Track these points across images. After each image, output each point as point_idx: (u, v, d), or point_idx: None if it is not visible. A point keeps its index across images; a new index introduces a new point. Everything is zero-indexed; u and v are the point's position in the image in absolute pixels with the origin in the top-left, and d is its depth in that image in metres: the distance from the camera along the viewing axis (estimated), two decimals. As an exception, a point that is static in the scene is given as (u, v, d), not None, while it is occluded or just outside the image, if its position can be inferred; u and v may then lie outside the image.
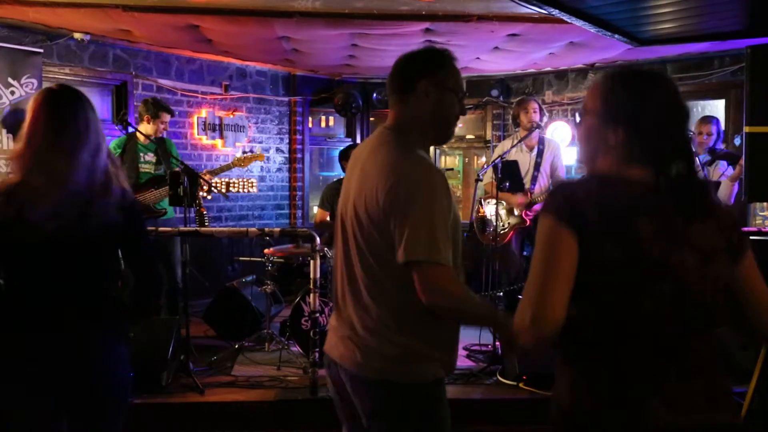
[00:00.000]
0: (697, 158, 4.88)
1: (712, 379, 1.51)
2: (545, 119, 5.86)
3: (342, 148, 6.25)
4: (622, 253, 1.44)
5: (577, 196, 1.48)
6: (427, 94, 2.01)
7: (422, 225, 1.82)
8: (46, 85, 5.42)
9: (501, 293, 5.15)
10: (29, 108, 2.10)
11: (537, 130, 5.44)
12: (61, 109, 2.08)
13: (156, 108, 5.20)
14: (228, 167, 5.51)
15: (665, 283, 1.45)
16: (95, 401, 2.09)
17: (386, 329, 1.94)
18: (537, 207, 5.52)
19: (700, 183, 1.58)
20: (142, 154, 5.15)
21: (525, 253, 5.68)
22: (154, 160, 5.17)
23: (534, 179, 5.48)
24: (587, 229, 1.45)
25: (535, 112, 5.43)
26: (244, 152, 5.76)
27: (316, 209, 6.11)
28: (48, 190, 2.01)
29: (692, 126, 5.26)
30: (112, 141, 5.13)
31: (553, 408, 1.59)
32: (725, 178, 4.92)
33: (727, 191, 4.91)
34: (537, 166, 5.48)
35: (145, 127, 5.13)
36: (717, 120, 5.28)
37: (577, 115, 1.69)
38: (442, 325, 1.96)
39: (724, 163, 4.97)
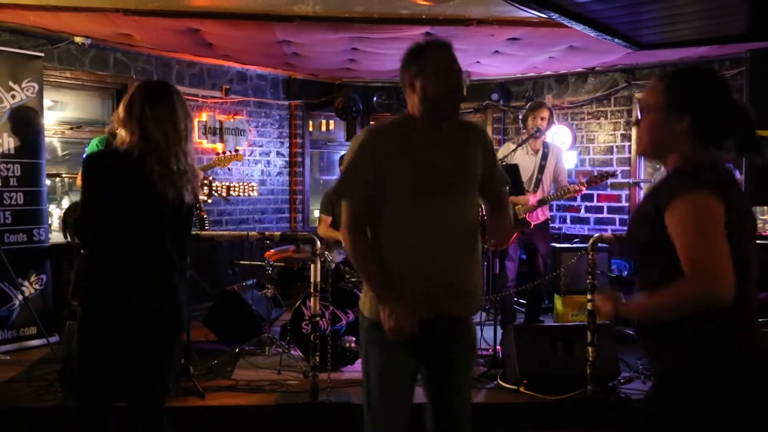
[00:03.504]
0: None
1: None
2: (553, 126, 5.86)
3: (343, 152, 6.25)
4: (746, 223, 1.76)
5: (713, 178, 1.72)
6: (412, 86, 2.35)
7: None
8: (47, 88, 5.44)
9: (499, 296, 5.14)
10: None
11: (539, 135, 5.44)
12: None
13: None
14: (210, 167, 5.63)
15: (752, 244, 1.80)
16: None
17: None
18: (542, 210, 5.53)
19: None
20: None
21: (523, 257, 5.69)
22: None
23: (538, 182, 5.48)
24: (728, 202, 1.69)
25: (543, 119, 5.43)
26: (224, 152, 5.80)
27: (317, 213, 6.11)
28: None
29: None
30: (92, 139, 5.11)
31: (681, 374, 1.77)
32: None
33: None
34: (541, 170, 5.48)
35: None
36: None
37: (636, 112, 1.92)
38: None
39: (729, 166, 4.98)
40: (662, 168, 1.91)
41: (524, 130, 5.65)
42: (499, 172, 2.49)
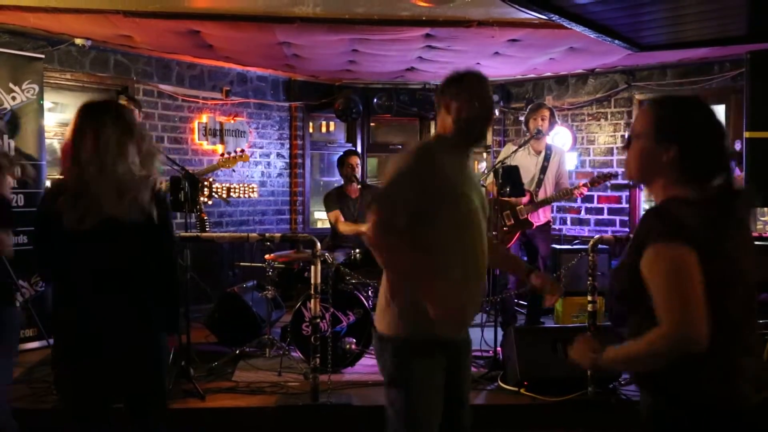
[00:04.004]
0: None
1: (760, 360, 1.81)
2: (555, 126, 5.86)
3: (340, 153, 6.27)
4: (726, 267, 1.70)
5: (686, 221, 1.68)
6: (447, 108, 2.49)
7: None
8: (47, 90, 5.44)
9: (499, 298, 5.14)
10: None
11: (540, 136, 5.44)
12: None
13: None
14: (213, 168, 5.62)
15: (741, 287, 1.74)
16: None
17: None
18: (544, 211, 5.53)
19: (738, 192, 1.81)
20: None
21: (524, 258, 5.68)
22: None
23: (540, 183, 5.49)
24: (703, 248, 1.65)
25: (543, 119, 5.45)
26: (229, 153, 5.79)
27: (317, 215, 6.12)
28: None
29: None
30: None
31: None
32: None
33: None
34: (543, 170, 5.49)
35: None
36: None
37: (625, 138, 1.95)
38: None
39: (731, 163, 4.99)
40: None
41: (527, 132, 5.65)
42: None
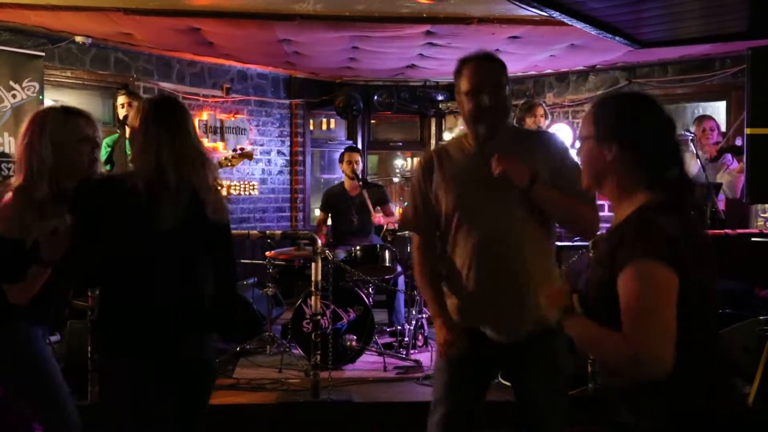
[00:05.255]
0: (699, 160, 4.89)
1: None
2: (548, 121, 5.87)
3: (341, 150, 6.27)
4: (701, 278, 1.62)
5: (670, 234, 1.58)
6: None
7: None
8: (47, 88, 5.44)
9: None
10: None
11: None
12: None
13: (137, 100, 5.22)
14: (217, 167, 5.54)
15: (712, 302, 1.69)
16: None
17: None
18: None
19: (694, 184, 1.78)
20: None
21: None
22: None
23: None
24: (683, 264, 1.57)
25: (542, 116, 5.45)
26: (234, 151, 5.74)
27: (317, 212, 6.13)
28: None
29: (691, 127, 5.29)
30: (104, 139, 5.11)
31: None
32: (728, 172, 4.94)
33: (731, 183, 4.93)
34: None
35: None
36: (712, 117, 5.37)
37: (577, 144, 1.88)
38: None
39: (729, 156, 4.99)
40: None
41: None
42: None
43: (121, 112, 5.07)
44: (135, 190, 2.16)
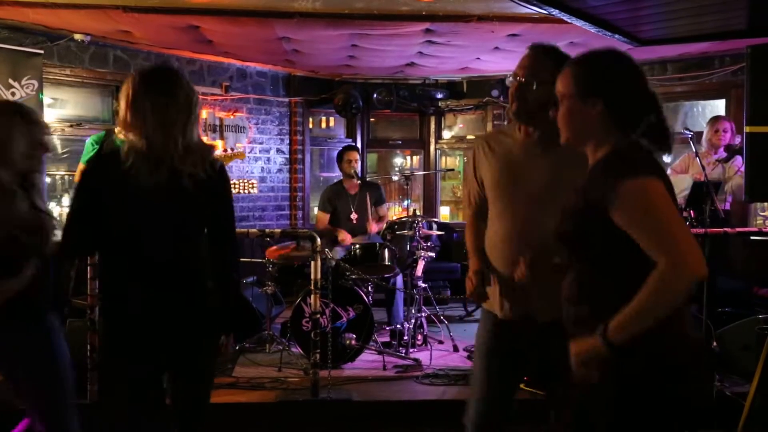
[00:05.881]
0: (699, 158, 4.89)
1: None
2: None
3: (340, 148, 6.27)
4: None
5: (653, 163, 1.74)
6: None
7: None
8: (46, 86, 5.43)
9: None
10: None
11: None
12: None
13: None
14: None
15: None
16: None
17: None
18: None
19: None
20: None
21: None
22: None
23: None
24: (669, 188, 1.69)
25: None
26: (225, 150, 5.79)
27: (317, 210, 6.13)
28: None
29: (704, 125, 5.33)
30: (90, 137, 5.10)
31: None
32: (739, 174, 4.94)
33: (742, 187, 4.92)
34: None
35: None
36: (728, 118, 5.37)
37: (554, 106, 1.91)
38: None
39: (740, 159, 5.00)
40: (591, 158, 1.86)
41: None
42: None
43: None
44: (119, 160, 2.25)
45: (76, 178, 4.99)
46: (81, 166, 4.43)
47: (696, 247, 1.59)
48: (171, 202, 2.29)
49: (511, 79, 2.40)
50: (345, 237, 5.62)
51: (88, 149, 4.60)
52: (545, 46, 2.44)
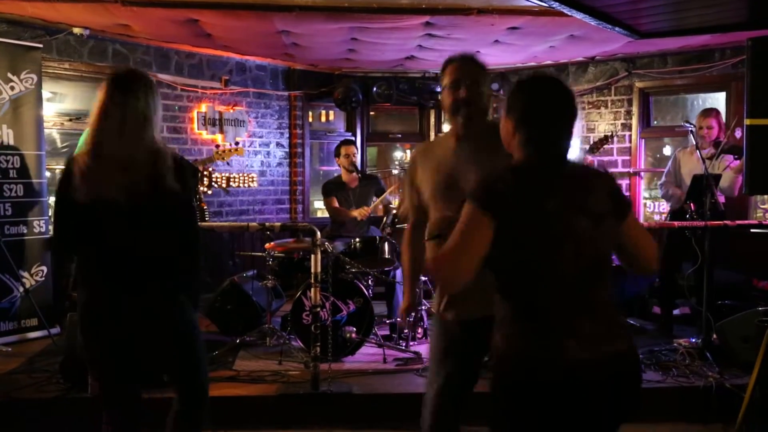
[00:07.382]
0: (699, 152, 4.88)
1: (612, 317, 1.94)
2: None
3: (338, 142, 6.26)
4: (535, 226, 1.86)
5: (496, 187, 1.90)
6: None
7: None
8: (45, 80, 5.43)
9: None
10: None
11: None
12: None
13: None
14: (210, 160, 5.69)
15: (568, 245, 1.85)
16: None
17: None
18: None
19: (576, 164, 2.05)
20: None
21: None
22: None
23: None
24: (504, 210, 1.85)
25: None
26: (228, 144, 5.83)
27: (317, 204, 6.13)
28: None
29: (693, 119, 5.27)
30: (85, 131, 5.10)
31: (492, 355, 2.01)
32: (729, 170, 4.93)
33: (730, 182, 4.91)
34: None
35: None
36: (717, 111, 5.28)
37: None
38: None
39: (731, 156, 4.98)
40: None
41: None
42: None
43: None
44: (81, 163, 2.41)
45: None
46: None
47: (456, 268, 1.85)
48: (132, 201, 2.41)
49: (446, 87, 2.63)
50: (360, 212, 5.68)
51: (82, 144, 4.61)
52: (466, 55, 2.66)
